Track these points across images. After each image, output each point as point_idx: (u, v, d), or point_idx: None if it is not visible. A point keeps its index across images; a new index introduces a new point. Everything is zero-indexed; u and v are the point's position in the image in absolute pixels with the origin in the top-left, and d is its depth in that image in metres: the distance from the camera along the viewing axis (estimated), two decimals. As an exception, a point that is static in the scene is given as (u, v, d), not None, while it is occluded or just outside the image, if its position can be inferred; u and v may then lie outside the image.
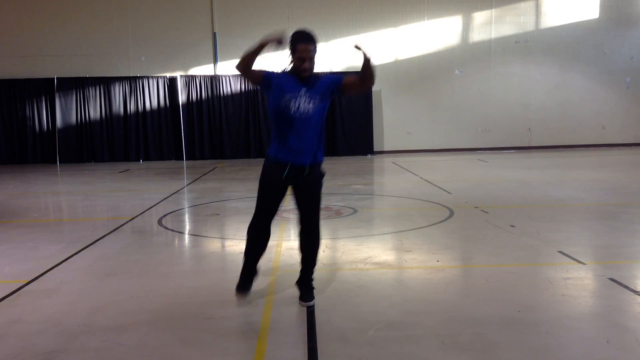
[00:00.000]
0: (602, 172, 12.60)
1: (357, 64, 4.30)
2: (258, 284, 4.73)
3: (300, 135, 4.02)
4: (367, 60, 3.93)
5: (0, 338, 3.71)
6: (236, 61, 4.00)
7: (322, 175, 4.23)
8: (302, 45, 3.92)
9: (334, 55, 17.49)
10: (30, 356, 3.43)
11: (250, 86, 17.79)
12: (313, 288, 4.33)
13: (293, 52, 3.96)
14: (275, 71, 4.11)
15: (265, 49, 3.83)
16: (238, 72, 3.97)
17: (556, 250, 5.63)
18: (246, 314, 4.05)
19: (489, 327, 3.72)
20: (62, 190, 11.98)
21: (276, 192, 4.14)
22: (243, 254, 4.33)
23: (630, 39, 19.04)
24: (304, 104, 4.00)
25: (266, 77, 4.01)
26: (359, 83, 4.09)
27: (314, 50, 3.96)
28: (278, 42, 3.83)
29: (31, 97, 17.97)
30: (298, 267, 5.17)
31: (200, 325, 3.85)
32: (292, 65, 4.02)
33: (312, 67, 3.99)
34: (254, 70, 3.96)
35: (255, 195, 4.22)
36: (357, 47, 3.98)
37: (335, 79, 4.15)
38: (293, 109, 3.99)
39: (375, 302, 4.24)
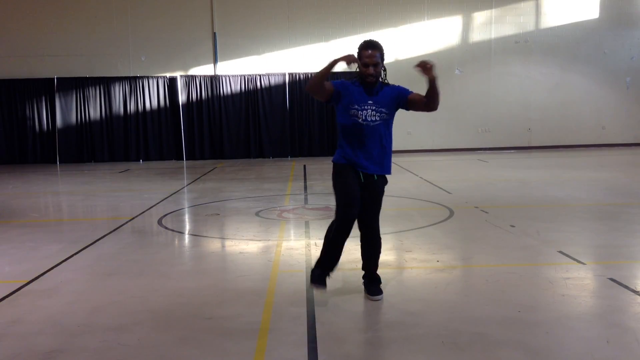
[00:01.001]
0: (602, 172, 12.58)
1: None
2: (258, 284, 4.74)
3: (366, 145, 4.13)
4: (432, 83, 3.97)
5: (0, 338, 3.72)
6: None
7: (385, 182, 4.30)
8: (367, 51, 4.06)
9: (333, 56, 17.41)
10: (30, 356, 3.43)
11: (250, 86, 17.80)
12: (380, 282, 4.40)
13: (359, 59, 4.07)
14: (344, 81, 4.20)
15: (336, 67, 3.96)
16: (309, 93, 4.09)
17: (556, 250, 5.63)
18: (246, 314, 4.05)
19: (489, 327, 3.72)
20: (62, 190, 11.97)
21: (354, 183, 4.13)
22: (322, 251, 4.23)
23: (630, 39, 19.03)
24: (370, 115, 4.11)
25: (336, 91, 4.12)
26: (424, 104, 4.17)
27: (379, 57, 4.07)
28: (348, 62, 3.93)
29: (31, 97, 17.96)
30: (298, 268, 5.20)
31: (200, 325, 3.85)
32: (358, 74, 4.11)
33: (377, 73, 4.09)
34: (325, 88, 4.06)
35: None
36: (421, 66, 3.92)
37: (402, 91, 4.23)
38: (360, 119, 4.10)
39: (375, 302, 4.24)
